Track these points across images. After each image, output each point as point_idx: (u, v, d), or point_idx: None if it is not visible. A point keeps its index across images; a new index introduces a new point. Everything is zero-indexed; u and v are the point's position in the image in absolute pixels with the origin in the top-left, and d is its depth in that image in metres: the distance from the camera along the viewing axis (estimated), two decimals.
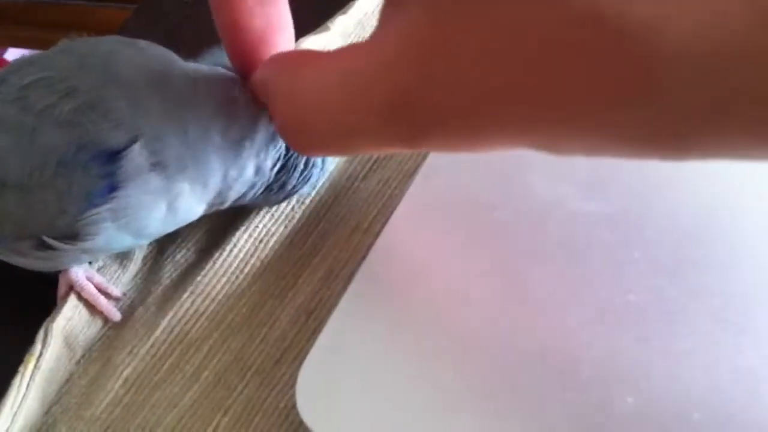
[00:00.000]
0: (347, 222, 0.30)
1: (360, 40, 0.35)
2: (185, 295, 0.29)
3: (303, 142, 0.21)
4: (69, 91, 0.24)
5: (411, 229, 0.28)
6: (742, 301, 0.24)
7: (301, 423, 0.24)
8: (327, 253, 0.30)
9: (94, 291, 0.29)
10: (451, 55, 0.15)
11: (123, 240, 0.26)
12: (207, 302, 0.29)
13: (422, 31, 0.15)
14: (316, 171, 0.30)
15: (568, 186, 0.27)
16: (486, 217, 0.27)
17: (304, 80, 0.20)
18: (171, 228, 0.28)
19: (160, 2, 0.44)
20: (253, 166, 0.26)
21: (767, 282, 0.25)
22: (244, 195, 0.28)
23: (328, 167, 0.31)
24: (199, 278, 0.29)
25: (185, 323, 0.29)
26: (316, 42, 0.34)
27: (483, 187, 0.28)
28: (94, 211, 0.25)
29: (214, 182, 0.26)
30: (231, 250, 0.30)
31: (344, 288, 0.27)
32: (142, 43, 0.27)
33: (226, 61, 0.26)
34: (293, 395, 0.25)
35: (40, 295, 0.29)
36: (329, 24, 0.35)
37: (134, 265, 0.30)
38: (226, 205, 0.28)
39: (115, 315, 0.29)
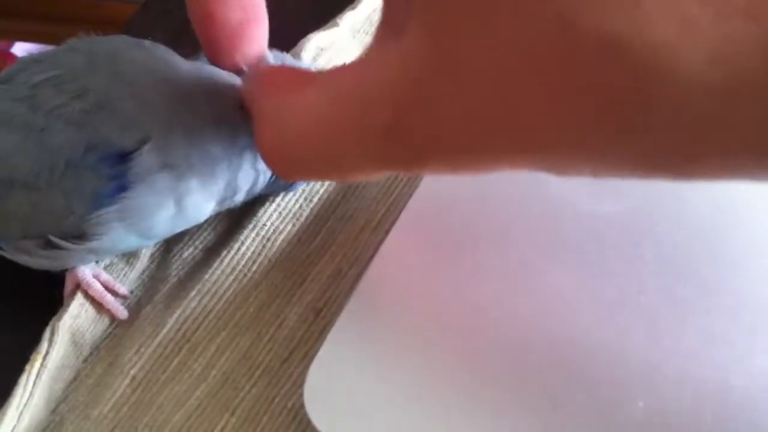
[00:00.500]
0: (356, 220, 0.30)
1: (369, 35, 0.35)
2: (192, 294, 0.29)
3: (289, 169, 0.20)
4: (80, 91, 0.24)
5: (420, 226, 0.28)
6: (754, 300, 0.24)
7: (309, 423, 0.24)
8: (335, 251, 0.30)
9: (101, 289, 0.29)
10: (452, 78, 0.14)
11: (130, 240, 0.26)
12: (214, 301, 0.29)
13: (422, 53, 0.15)
14: None
15: (579, 186, 0.27)
16: (496, 216, 0.27)
17: (291, 107, 0.19)
18: (179, 228, 0.28)
19: None
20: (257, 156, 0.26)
21: None
22: (255, 184, 0.27)
23: None
24: (206, 276, 0.29)
25: (192, 322, 0.28)
26: (324, 38, 0.34)
27: (494, 186, 0.28)
28: (102, 211, 0.25)
29: (222, 178, 0.26)
30: (238, 249, 0.30)
31: (353, 286, 0.27)
32: (147, 44, 0.27)
33: None
34: (301, 395, 0.24)
35: (47, 294, 0.29)
36: (338, 20, 0.35)
37: (141, 263, 0.30)
38: (239, 197, 0.28)
39: (122, 313, 0.29)
